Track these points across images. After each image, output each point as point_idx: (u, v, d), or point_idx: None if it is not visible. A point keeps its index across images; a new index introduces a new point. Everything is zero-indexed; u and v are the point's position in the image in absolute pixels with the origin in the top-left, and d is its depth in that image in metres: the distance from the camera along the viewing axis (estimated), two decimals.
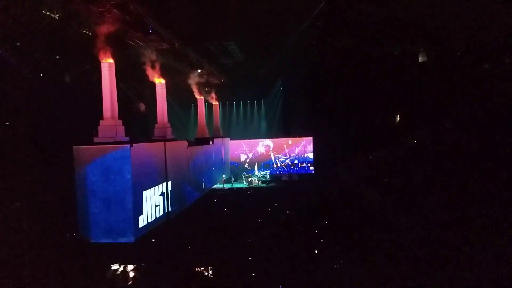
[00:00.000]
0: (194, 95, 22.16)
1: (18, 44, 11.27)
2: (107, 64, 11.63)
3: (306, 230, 11.70)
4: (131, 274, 8.95)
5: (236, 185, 23.10)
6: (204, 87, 23.38)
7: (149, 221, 12.37)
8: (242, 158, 25.65)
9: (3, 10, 9.97)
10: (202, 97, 22.82)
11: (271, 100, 27.89)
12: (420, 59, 18.81)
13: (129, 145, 11.23)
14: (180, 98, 25.28)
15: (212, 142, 21.41)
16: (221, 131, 24.99)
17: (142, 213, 11.94)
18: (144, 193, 12.21)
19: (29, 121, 11.42)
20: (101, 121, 11.71)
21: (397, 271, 8.26)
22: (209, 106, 25.95)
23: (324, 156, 24.01)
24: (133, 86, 19.44)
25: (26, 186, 10.57)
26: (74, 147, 11.02)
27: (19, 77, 11.29)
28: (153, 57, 15.16)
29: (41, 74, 12.53)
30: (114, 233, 11.10)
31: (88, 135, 11.57)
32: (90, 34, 12.41)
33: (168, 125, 16.10)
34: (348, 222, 12.35)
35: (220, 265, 8.97)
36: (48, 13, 10.89)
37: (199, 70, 20.97)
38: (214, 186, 21.69)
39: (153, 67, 15.17)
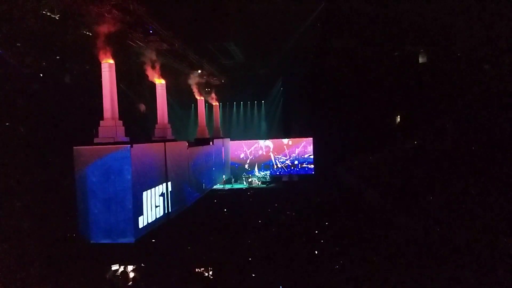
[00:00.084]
0: (194, 96, 22.19)
1: (18, 44, 11.28)
2: (107, 65, 11.66)
3: (306, 231, 11.69)
4: (131, 275, 8.93)
5: (236, 186, 23.09)
6: (204, 88, 23.43)
7: (149, 222, 12.38)
8: (242, 157, 25.64)
9: (3, 10, 9.98)
10: (202, 98, 22.84)
11: (271, 101, 27.95)
12: (420, 59, 18.81)
13: (129, 145, 11.26)
14: (180, 99, 25.33)
15: (212, 143, 21.43)
16: (221, 131, 25.01)
17: (142, 214, 11.95)
18: (144, 193, 12.22)
19: (29, 121, 11.42)
20: (101, 122, 11.74)
21: (397, 271, 8.25)
22: (209, 107, 25.98)
23: (324, 157, 24.01)
24: (133, 87, 19.44)
25: (26, 186, 10.57)
26: (74, 147, 11.06)
27: (19, 77, 11.30)
28: (153, 57, 15.19)
29: (41, 74, 12.53)
30: (114, 234, 11.13)
31: (88, 135, 11.59)
32: (90, 34, 12.43)
33: (168, 125, 16.13)
34: (348, 222, 12.35)
35: (220, 265, 8.95)
36: (48, 14, 10.90)
37: (199, 71, 21.00)
38: (214, 187, 21.70)
39: (153, 67, 15.20)
